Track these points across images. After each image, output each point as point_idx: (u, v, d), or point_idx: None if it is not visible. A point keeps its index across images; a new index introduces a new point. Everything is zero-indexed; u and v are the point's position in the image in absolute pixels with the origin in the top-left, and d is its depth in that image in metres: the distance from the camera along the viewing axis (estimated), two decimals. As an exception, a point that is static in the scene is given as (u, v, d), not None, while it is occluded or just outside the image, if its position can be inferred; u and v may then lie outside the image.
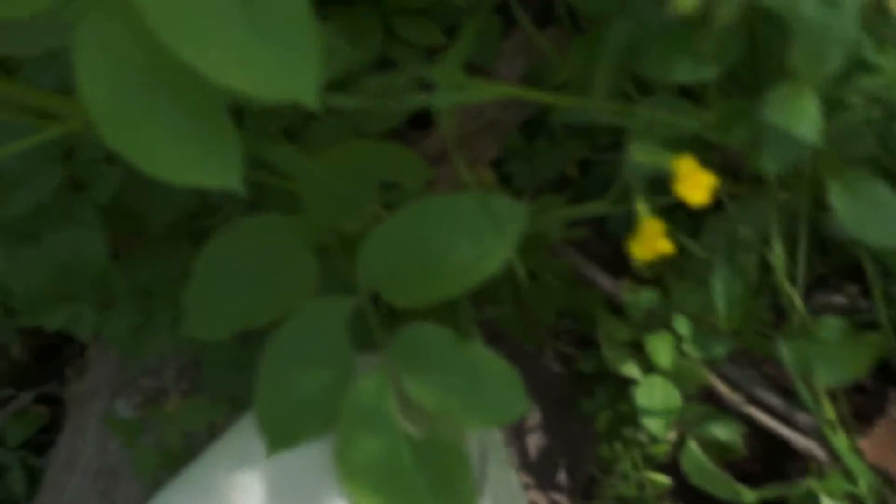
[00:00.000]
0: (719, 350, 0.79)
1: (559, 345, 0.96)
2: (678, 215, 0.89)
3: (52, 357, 1.36)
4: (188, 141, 0.46)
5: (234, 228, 0.66)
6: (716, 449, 0.83)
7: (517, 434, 0.97)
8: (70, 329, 0.80)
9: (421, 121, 0.87)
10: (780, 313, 0.82)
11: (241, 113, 0.77)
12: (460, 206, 0.61)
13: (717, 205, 0.87)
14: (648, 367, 0.81)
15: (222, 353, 0.83)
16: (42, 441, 1.22)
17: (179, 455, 0.82)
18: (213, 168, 0.46)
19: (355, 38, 0.80)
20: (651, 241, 0.49)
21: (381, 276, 0.63)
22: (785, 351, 0.76)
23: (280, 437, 0.65)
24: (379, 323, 0.64)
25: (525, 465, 0.97)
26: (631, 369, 0.81)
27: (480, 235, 0.61)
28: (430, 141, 0.84)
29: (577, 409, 0.92)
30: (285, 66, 0.41)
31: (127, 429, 0.80)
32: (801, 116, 0.49)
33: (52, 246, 0.77)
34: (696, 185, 0.47)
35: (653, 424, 0.79)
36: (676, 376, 0.80)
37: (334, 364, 0.64)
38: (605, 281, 0.86)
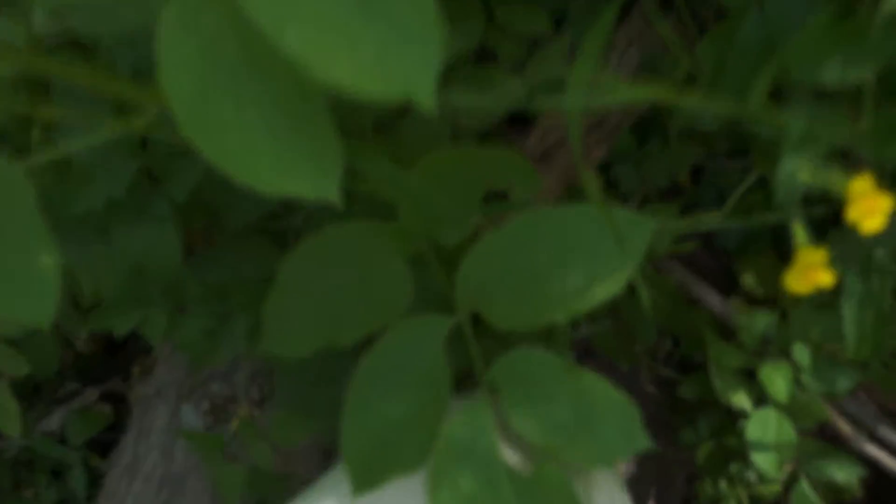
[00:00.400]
0: (844, 383, 0.71)
1: (657, 366, 0.89)
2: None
3: (119, 350, 1.33)
4: (282, 144, 0.40)
5: (322, 236, 0.60)
6: (828, 490, 0.75)
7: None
8: (140, 332, 0.76)
9: (519, 117, 0.81)
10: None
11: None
12: (575, 219, 0.54)
13: (835, 217, 0.80)
14: (760, 399, 0.74)
15: (298, 365, 0.77)
16: (105, 439, 1.18)
17: (268, 474, 0.76)
18: (309, 176, 0.40)
19: (453, 24, 0.73)
20: (810, 272, 0.42)
21: (483, 296, 0.57)
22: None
23: (367, 472, 0.59)
24: (478, 346, 0.58)
25: (613, 492, 0.90)
26: (741, 400, 0.74)
27: (596, 254, 0.54)
28: (532, 141, 0.77)
29: (673, 437, 0.85)
30: (401, 57, 0.35)
31: (206, 443, 0.74)
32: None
33: (124, 244, 0.72)
34: (871, 209, 0.41)
35: (764, 462, 0.72)
36: (792, 410, 0.73)
37: (429, 391, 0.58)
38: (713, 300, 0.79)
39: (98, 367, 1.31)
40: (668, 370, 0.89)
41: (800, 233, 0.43)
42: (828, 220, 0.69)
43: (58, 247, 0.72)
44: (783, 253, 0.84)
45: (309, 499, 0.63)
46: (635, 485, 0.91)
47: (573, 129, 0.42)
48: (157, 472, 0.92)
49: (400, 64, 0.36)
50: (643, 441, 0.54)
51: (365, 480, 0.59)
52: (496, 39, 0.84)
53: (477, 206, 0.59)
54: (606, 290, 0.54)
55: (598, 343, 0.84)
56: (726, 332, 0.78)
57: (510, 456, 0.57)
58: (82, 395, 1.26)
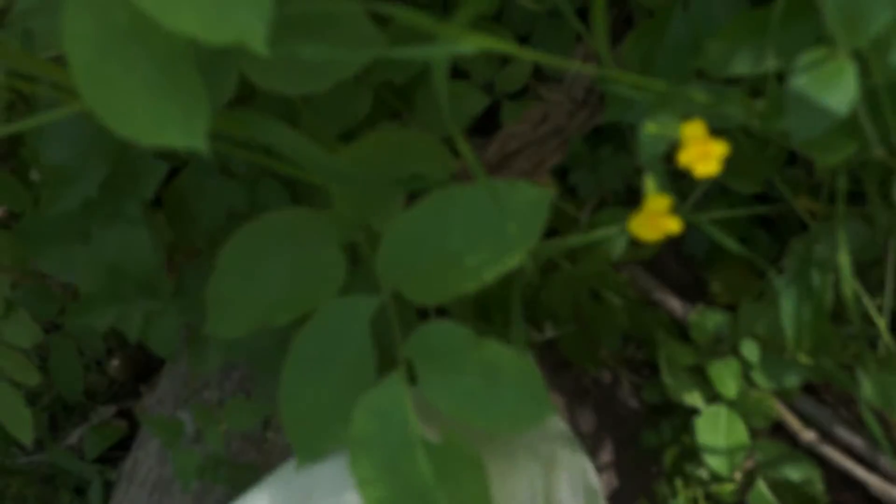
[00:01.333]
0: (791, 380, 0.71)
1: (636, 378, 0.89)
2: (760, 240, 0.82)
3: (152, 374, 1.38)
4: (159, 101, 0.46)
5: (260, 222, 0.64)
6: (790, 492, 0.75)
7: (585, 470, 0.91)
8: (119, 329, 0.79)
9: (484, 128, 0.84)
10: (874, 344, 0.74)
11: (297, 116, 0.76)
12: (480, 196, 0.57)
13: (802, 227, 0.80)
14: (713, 397, 0.74)
15: (272, 361, 0.80)
16: (124, 456, 1.22)
17: (222, 459, 0.79)
18: (180, 129, 0.45)
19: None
20: (656, 219, 0.43)
21: (401, 273, 0.59)
22: (864, 383, 0.69)
23: (307, 446, 0.62)
24: (398, 322, 0.60)
25: None
26: (694, 399, 0.74)
27: (502, 226, 0.56)
28: (493, 148, 0.80)
29: (641, 444, 0.85)
30: (236, 9, 0.40)
31: (167, 429, 0.77)
32: (833, 84, 0.43)
33: (101, 244, 0.76)
34: (704, 154, 0.42)
35: (714, 460, 0.72)
36: (743, 408, 0.73)
37: (355, 368, 0.61)
38: (674, 304, 0.80)
39: (130, 392, 1.36)
40: (640, 378, 0.89)
41: (650, 182, 0.45)
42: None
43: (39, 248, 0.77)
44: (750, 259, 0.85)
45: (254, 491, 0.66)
46: (617, 499, 0.91)
47: (440, 78, 0.45)
48: (150, 476, 0.96)
49: (235, 14, 0.40)
50: (548, 408, 0.56)
51: (306, 453, 0.62)
52: (469, 58, 0.88)
53: (401, 189, 0.62)
54: (512, 258, 0.56)
55: (567, 349, 0.85)
56: (687, 335, 0.78)
57: (430, 430, 0.58)
58: (99, 411, 1.30)
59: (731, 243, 0.66)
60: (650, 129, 0.47)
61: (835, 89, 0.43)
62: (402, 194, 0.63)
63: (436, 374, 0.58)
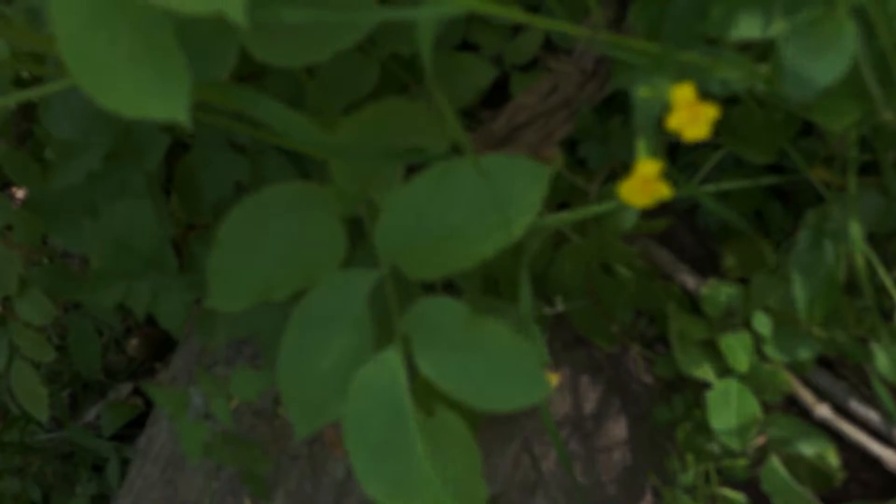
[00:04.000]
0: (804, 353, 0.70)
1: (649, 354, 0.88)
2: (775, 211, 0.81)
3: (169, 352, 1.38)
4: (142, 73, 0.46)
5: (261, 195, 0.63)
6: (804, 467, 0.74)
7: (599, 447, 0.90)
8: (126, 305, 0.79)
9: (494, 101, 0.83)
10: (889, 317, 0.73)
11: (301, 94, 0.75)
12: (479, 169, 0.56)
13: (818, 198, 0.78)
14: (724, 371, 0.73)
15: (276, 337, 0.80)
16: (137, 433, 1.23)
17: (232, 434, 0.79)
18: (161, 100, 0.45)
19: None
20: (646, 184, 0.42)
21: (399, 247, 0.59)
22: (878, 356, 0.67)
23: (306, 417, 0.62)
24: (398, 297, 0.60)
25: (606, 481, 0.90)
26: (705, 372, 0.73)
27: (500, 201, 0.55)
28: (501, 120, 0.79)
29: (654, 420, 0.84)
30: None
31: (173, 401, 0.77)
32: (831, 42, 0.42)
33: (108, 218, 0.76)
34: (694, 117, 0.41)
35: (726, 433, 0.71)
36: (756, 382, 0.72)
37: (353, 341, 0.60)
38: (687, 277, 0.79)
39: (147, 371, 1.37)
40: (653, 353, 0.88)
41: (642, 146, 0.44)
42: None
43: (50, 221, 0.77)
44: (766, 232, 0.84)
45: None
46: (631, 476, 0.90)
47: (425, 42, 0.44)
48: (164, 452, 0.96)
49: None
50: (544, 387, 0.55)
51: (304, 424, 0.62)
52: (478, 30, 0.87)
53: (399, 162, 0.61)
54: (511, 233, 0.55)
55: (579, 325, 0.84)
56: (700, 309, 0.77)
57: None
58: (117, 389, 1.31)
59: (735, 218, 0.65)
60: (643, 92, 0.46)
61: (833, 47, 0.42)
62: (401, 167, 0.62)
63: (432, 350, 0.57)
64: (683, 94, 0.41)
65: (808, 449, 0.72)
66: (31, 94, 0.60)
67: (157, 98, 0.44)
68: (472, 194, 0.56)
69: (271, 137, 0.62)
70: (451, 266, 0.57)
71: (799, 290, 0.66)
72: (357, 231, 0.65)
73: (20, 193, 1.39)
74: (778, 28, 0.56)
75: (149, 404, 1.25)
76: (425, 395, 0.57)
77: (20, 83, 0.85)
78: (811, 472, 0.75)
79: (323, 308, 0.61)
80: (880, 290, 0.70)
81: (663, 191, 0.43)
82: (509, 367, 0.55)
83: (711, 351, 0.74)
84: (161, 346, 1.38)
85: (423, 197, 0.57)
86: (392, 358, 0.57)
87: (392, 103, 0.62)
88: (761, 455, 0.74)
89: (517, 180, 0.55)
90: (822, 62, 0.42)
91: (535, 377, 0.55)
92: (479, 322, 0.56)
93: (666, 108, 0.45)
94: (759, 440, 0.74)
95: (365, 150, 0.60)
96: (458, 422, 0.56)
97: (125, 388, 1.30)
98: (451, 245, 0.57)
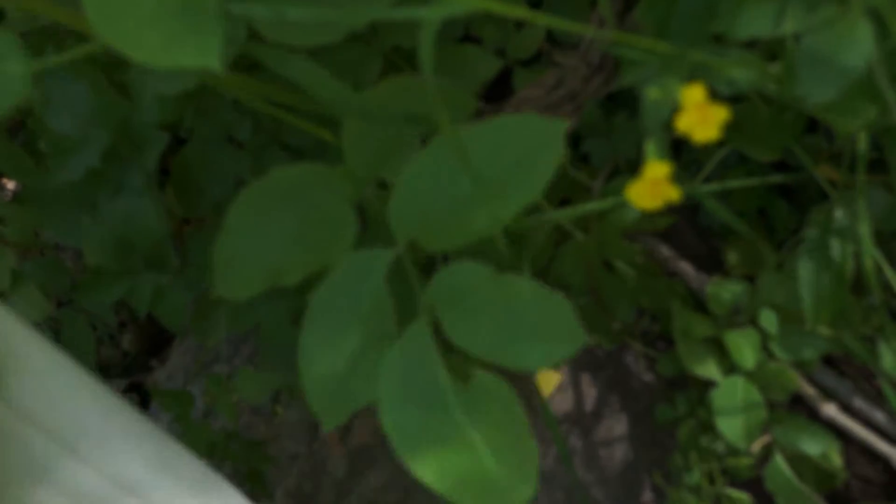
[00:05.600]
0: (810, 351, 0.70)
1: (651, 352, 0.88)
2: (780, 209, 0.80)
3: (164, 348, 1.37)
4: (172, 20, 0.44)
5: (268, 179, 0.62)
6: (808, 466, 0.73)
7: (600, 444, 0.90)
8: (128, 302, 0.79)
9: (496, 96, 0.82)
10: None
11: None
12: (491, 134, 0.54)
13: (823, 196, 0.78)
14: (730, 369, 0.72)
15: (277, 332, 0.79)
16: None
17: (234, 432, 0.78)
18: (193, 48, 0.43)
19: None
20: (656, 186, 0.42)
21: (415, 221, 0.57)
22: (885, 355, 0.67)
23: (330, 408, 0.60)
24: (416, 272, 0.58)
25: (607, 478, 0.89)
26: (710, 370, 0.73)
27: (516, 163, 0.54)
28: (506, 111, 0.78)
29: (656, 418, 0.83)
30: None
31: (179, 402, 0.76)
32: (846, 42, 0.41)
33: (107, 215, 0.75)
34: (703, 118, 0.40)
35: (731, 432, 0.71)
36: (761, 380, 0.71)
37: (375, 324, 0.59)
38: (690, 275, 0.78)
39: (141, 366, 1.36)
40: (655, 351, 0.87)
41: (651, 148, 0.43)
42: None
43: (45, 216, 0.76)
44: (771, 230, 0.83)
45: None
46: (632, 472, 0.90)
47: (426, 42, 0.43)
48: (160, 450, 0.94)
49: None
50: (580, 336, 0.53)
51: (330, 416, 0.60)
52: (481, 24, 0.86)
53: (416, 138, 0.60)
54: (526, 195, 0.54)
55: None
56: (703, 307, 0.76)
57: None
58: (112, 384, 1.30)
59: (735, 220, 0.65)
60: (653, 93, 0.45)
61: (848, 47, 0.42)
62: (416, 140, 0.61)
63: (461, 316, 0.55)
64: (694, 95, 0.40)
65: (813, 448, 0.72)
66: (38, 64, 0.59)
67: (189, 46, 0.43)
68: (488, 156, 0.55)
69: (292, 100, 0.61)
70: (471, 233, 0.55)
71: (805, 289, 0.66)
72: (362, 216, 0.64)
73: (11, 185, 1.37)
74: (789, 26, 0.56)
75: (144, 400, 1.24)
76: (459, 366, 0.56)
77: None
78: (815, 471, 0.74)
79: (341, 292, 0.59)
80: (887, 288, 0.70)
81: (672, 193, 0.42)
82: (542, 321, 0.54)
83: (715, 349, 0.73)
84: (155, 341, 1.37)
85: (437, 166, 0.56)
86: (421, 332, 0.55)
87: (405, 80, 0.61)
88: (765, 453, 0.74)
89: (532, 140, 0.54)
90: (838, 63, 0.41)
91: (569, 327, 0.53)
92: (504, 281, 0.55)
93: (675, 108, 0.45)
94: (764, 439, 0.73)
95: (390, 113, 0.59)
96: (497, 383, 0.54)
97: (120, 384, 1.29)
98: (470, 211, 0.56)
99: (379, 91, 0.61)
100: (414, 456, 0.55)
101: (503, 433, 0.55)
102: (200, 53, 0.42)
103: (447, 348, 0.56)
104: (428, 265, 0.65)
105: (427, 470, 0.54)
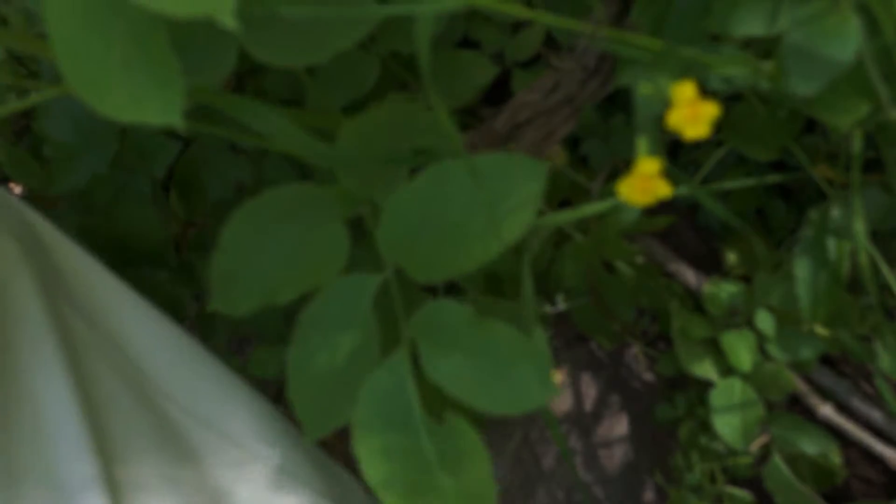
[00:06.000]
0: (807, 352, 0.70)
1: (651, 352, 0.88)
2: (778, 209, 0.81)
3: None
4: (137, 77, 0.45)
5: (262, 199, 0.63)
6: (807, 466, 0.74)
7: (600, 444, 0.90)
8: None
9: (495, 99, 0.83)
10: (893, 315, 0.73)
11: (302, 92, 0.75)
12: (477, 169, 0.55)
13: (821, 196, 0.78)
14: (728, 370, 0.73)
15: (277, 335, 0.80)
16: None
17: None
18: (157, 104, 0.44)
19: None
20: (646, 182, 0.42)
21: (403, 249, 0.58)
22: (881, 355, 0.67)
23: (315, 422, 0.62)
24: (403, 301, 0.59)
25: (608, 478, 0.90)
26: (707, 370, 0.73)
27: (499, 200, 0.55)
28: (503, 117, 0.79)
29: (656, 418, 0.84)
30: None
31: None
32: (834, 35, 0.42)
33: (110, 219, 0.76)
34: (694, 115, 0.41)
35: (729, 433, 0.71)
36: (758, 380, 0.71)
37: (360, 346, 0.60)
38: (689, 275, 0.79)
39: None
40: (655, 351, 0.88)
41: (642, 144, 0.43)
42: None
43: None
44: (768, 230, 0.83)
45: None
46: (632, 472, 0.90)
47: (422, 39, 0.44)
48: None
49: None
50: (551, 389, 0.55)
51: (314, 428, 0.61)
52: (479, 27, 0.86)
53: (406, 162, 0.61)
54: (510, 232, 0.55)
55: (582, 324, 0.84)
56: (702, 307, 0.77)
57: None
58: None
59: (734, 219, 0.65)
60: (644, 89, 0.45)
61: (836, 40, 0.42)
62: (406, 170, 0.62)
63: (438, 354, 0.56)
64: (684, 91, 0.41)
65: (811, 447, 0.72)
66: (28, 102, 0.59)
67: (152, 103, 0.43)
68: (471, 194, 0.56)
69: (271, 144, 0.62)
70: (455, 268, 0.56)
71: (802, 289, 0.66)
72: (359, 231, 0.65)
73: (17, 189, 1.38)
74: (782, 25, 0.56)
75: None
76: (433, 398, 0.57)
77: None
78: (814, 470, 0.75)
79: (329, 312, 0.60)
80: (884, 288, 0.70)
81: (663, 189, 0.43)
82: (516, 369, 0.55)
83: (714, 349, 0.73)
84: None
85: (423, 197, 0.57)
86: (400, 364, 0.57)
87: (392, 104, 0.62)
88: (765, 453, 0.74)
89: (514, 178, 0.55)
90: (825, 56, 0.42)
91: (542, 379, 0.55)
92: (484, 324, 0.56)
93: (667, 105, 0.45)
94: (763, 438, 0.73)
95: (368, 156, 0.60)
96: (467, 428, 0.55)
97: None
98: (454, 246, 0.56)
99: (352, 134, 0.61)
100: (380, 479, 0.56)
101: (468, 476, 0.56)
102: (164, 111, 0.42)
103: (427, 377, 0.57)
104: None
105: (390, 495, 0.56)
